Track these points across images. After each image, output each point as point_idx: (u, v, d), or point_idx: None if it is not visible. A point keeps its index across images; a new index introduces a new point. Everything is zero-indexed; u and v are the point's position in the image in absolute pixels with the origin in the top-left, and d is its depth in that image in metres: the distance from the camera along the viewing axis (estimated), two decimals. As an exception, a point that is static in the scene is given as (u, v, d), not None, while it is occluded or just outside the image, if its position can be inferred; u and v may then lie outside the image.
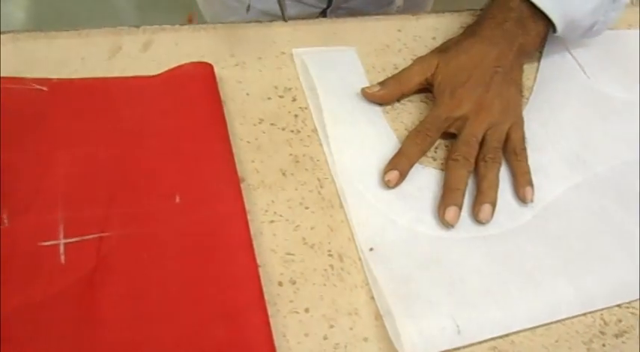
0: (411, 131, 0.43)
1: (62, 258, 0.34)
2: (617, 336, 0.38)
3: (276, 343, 0.33)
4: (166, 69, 0.43)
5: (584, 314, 0.38)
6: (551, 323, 0.37)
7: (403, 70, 0.46)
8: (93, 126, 0.39)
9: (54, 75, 0.42)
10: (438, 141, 0.45)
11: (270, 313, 0.34)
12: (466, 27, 0.49)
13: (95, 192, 0.36)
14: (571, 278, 0.38)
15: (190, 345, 0.32)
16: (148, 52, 0.45)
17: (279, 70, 0.46)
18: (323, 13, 0.67)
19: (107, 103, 0.41)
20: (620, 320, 0.39)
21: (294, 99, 0.45)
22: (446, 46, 0.46)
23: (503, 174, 0.43)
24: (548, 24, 0.47)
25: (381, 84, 0.45)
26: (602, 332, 0.38)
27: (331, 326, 0.35)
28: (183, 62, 0.44)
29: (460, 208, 0.40)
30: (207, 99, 0.42)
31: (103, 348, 0.31)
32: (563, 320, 0.38)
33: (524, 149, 0.44)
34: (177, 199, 0.37)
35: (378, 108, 0.45)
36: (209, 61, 0.44)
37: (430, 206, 0.41)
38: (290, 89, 0.45)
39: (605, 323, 0.38)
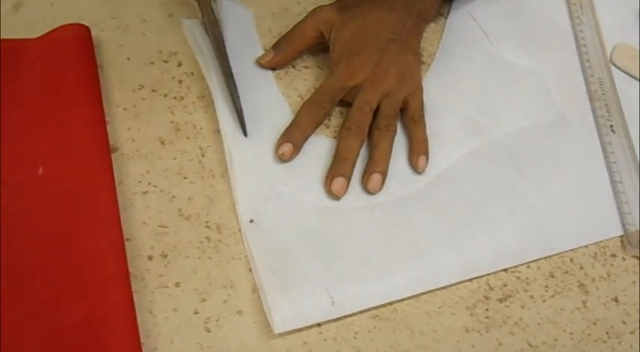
0: (305, 102, 0.41)
1: None
2: (500, 301, 0.38)
3: (141, 319, 0.31)
4: (39, 32, 0.40)
5: (470, 280, 0.38)
6: (437, 289, 0.37)
7: (296, 25, 0.44)
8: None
9: None
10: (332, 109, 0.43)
11: (135, 288, 0.32)
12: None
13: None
14: (454, 244, 0.38)
15: (46, 322, 0.30)
16: (19, 13, 0.42)
17: (164, 34, 0.43)
18: None
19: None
20: (505, 285, 0.39)
21: (179, 65, 0.42)
22: (345, 4, 0.44)
23: (400, 142, 0.42)
24: None
25: (275, 48, 0.43)
26: (486, 297, 0.38)
27: (203, 300, 0.33)
28: (58, 25, 0.40)
29: (348, 179, 0.39)
30: (79, 63, 0.39)
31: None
32: (449, 286, 0.37)
33: (423, 117, 0.43)
34: (41, 170, 0.34)
35: (270, 74, 0.43)
36: (87, 24, 0.41)
37: (320, 175, 0.39)
38: (176, 53, 0.42)
39: (490, 288, 0.38)
